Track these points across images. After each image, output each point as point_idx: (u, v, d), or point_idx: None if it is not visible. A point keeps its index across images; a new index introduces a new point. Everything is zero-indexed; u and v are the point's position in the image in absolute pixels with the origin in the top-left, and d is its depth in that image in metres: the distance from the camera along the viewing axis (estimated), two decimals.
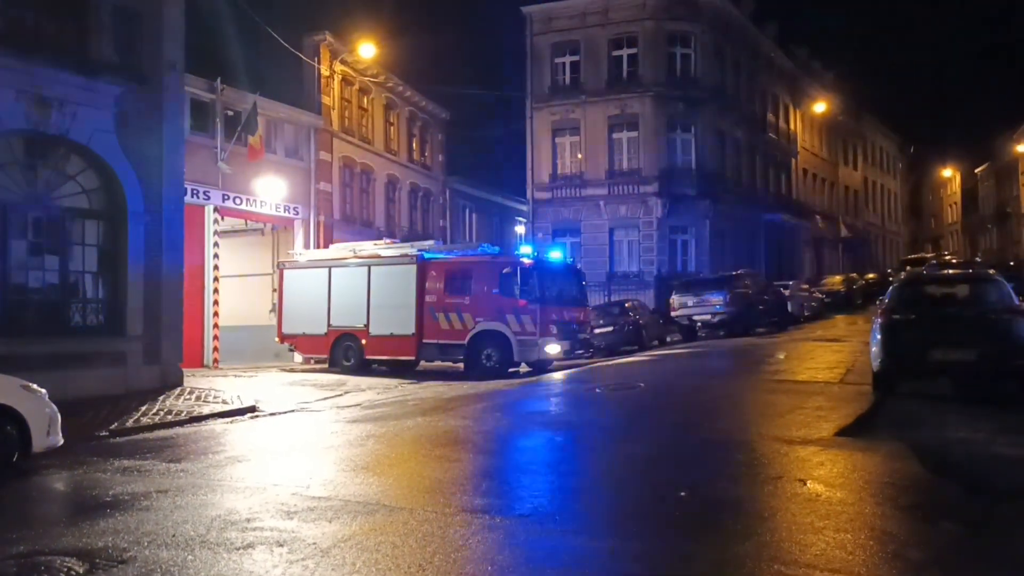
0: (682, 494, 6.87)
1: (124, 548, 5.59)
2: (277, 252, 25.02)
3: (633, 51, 35.11)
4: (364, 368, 19.47)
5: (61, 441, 8.88)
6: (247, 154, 22.48)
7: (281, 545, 5.60)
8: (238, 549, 5.54)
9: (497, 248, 20.35)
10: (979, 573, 4.96)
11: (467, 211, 39.48)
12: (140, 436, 10.90)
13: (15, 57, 12.76)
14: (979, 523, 5.96)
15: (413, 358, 19.52)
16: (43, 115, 13.23)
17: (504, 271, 18.53)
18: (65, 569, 5.21)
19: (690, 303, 26.03)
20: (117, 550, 5.55)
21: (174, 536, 5.85)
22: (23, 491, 7.90)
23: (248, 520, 6.25)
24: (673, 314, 26.36)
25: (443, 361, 19.64)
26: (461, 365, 18.93)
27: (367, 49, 26.74)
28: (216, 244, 22.40)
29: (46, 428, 8.63)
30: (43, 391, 8.87)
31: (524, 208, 38.31)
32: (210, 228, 22.19)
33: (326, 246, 24.13)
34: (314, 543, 5.62)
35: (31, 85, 13.04)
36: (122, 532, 5.97)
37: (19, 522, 6.53)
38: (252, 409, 13.22)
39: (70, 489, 8.12)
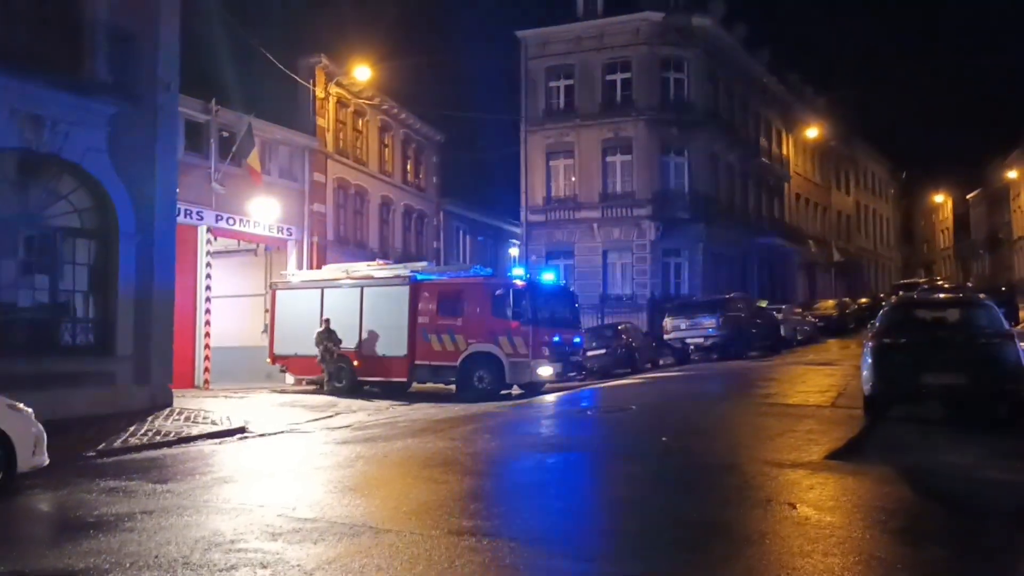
0: (671, 516, 6.85)
1: (106, 569, 5.53)
2: (270, 272, 24.96)
3: (627, 75, 35.37)
4: (356, 389, 19.36)
5: (47, 461, 8.79)
6: (249, 178, 22.43)
7: (265, 567, 5.54)
8: (221, 571, 5.48)
9: (490, 270, 20.32)
10: None
11: (461, 233, 39.54)
12: (127, 457, 10.81)
13: (8, 75, 12.73)
14: (967, 547, 5.94)
15: (405, 380, 19.43)
16: (36, 134, 13.19)
17: (497, 293, 18.52)
18: None
19: (683, 326, 26.11)
20: (99, 571, 5.49)
21: (157, 557, 5.78)
22: (6, 511, 7.82)
23: (232, 541, 6.19)
24: (666, 337, 26.40)
25: (435, 383, 19.56)
26: (453, 387, 18.85)
27: (362, 72, 26.90)
28: (209, 264, 22.33)
29: (32, 448, 8.54)
30: (29, 410, 8.78)
31: (518, 230, 38.38)
32: (203, 248, 22.14)
33: (319, 267, 24.08)
34: (298, 565, 5.57)
35: (24, 103, 13.02)
36: (104, 553, 5.90)
37: (1, 542, 6.47)
38: (241, 430, 13.13)
39: (54, 510, 8.03)
